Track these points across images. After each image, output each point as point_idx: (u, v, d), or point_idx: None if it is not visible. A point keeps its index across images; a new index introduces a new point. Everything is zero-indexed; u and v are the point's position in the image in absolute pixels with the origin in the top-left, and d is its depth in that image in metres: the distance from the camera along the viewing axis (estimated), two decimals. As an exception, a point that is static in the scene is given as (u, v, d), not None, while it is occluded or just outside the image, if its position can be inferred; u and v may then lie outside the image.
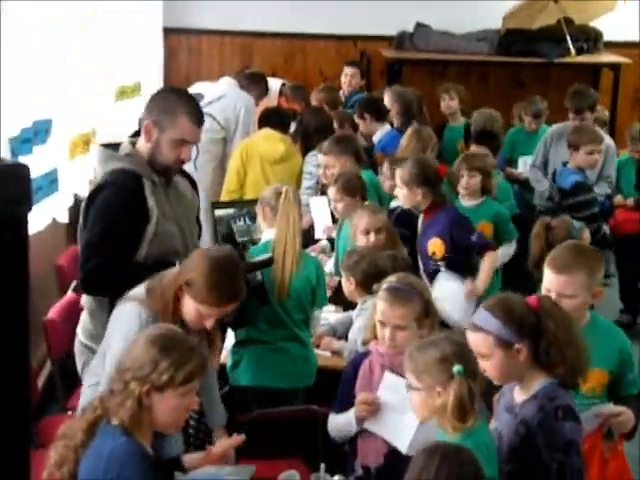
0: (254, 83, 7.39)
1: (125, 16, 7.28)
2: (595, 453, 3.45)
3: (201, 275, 3.34)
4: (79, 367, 3.87)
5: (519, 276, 5.12)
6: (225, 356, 4.51)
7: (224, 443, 3.37)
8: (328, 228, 5.97)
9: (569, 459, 3.01)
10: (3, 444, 1.46)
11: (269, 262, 4.30)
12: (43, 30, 5.16)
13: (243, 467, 3.46)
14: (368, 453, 3.57)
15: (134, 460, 2.75)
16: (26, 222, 1.41)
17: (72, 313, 4.72)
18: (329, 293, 4.99)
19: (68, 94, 5.69)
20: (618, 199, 7.32)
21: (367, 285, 4.35)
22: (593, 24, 9.81)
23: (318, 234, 5.96)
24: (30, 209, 1.41)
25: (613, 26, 9.65)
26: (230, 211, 5.86)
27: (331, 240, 5.86)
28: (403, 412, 3.28)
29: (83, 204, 3.80)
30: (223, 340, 4.10)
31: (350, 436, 3.64)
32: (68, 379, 4.45)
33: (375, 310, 3.67)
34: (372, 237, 4.91)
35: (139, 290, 3.42)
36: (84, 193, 6.05)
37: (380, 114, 7.26)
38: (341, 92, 8.68)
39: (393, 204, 5.84)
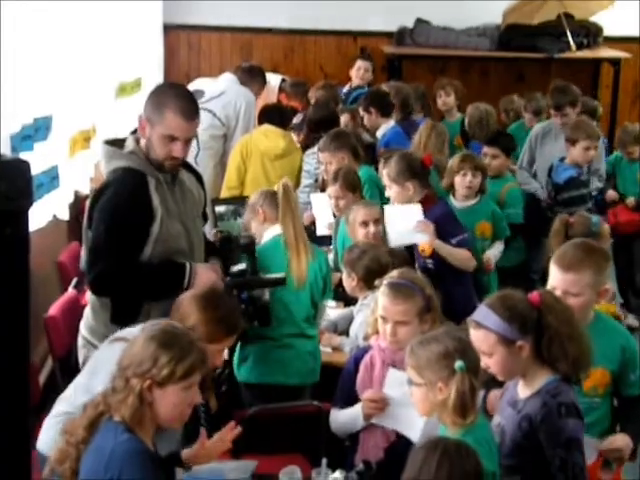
0: (253, 77, 7.38)
1: (125, 13, 7.28)
2: None
3: (200, 318, 3.30)
4: (80, 361, 3.87)
5: (522, 282, 5.08)
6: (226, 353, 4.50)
7: (220, 434, 3.34)
8: (330, 224, 5.96)
9: (571, 456, 3.01)
10: (3, 441, 1.45)
11: (281, 281, 4.22)
12: (43, 27, 5.15)
13: (245, 463, 3.47)
14: (369, 448, 3.58)
15: (136, 457, 2.75)
16: (27, 217, 1.41)
17: (73, 310, 4.74)
18: (330, 289, 4.99)
19: (68, 91, 5.69)
20: (610, 194, 7.29)
21: (369, 281, 4.35)
22: (593, 19, 9.81)
23: (321, 230, 5.96)
24: (31, 204, 1.41)
25: (613, 21, 9.65)
26: (230, 207, 5.84)
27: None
28: (411, 404, 3.28)
29: (88, 203, 3.78)
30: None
31: (354, 432, 3.65)
32: (69, 375, 4.45)
33: (376, 305, 3.68)
34: (372, 228, 4.92)
35: (131, 330, 3.31)
36: (85, 190, 6.07)
37: (386, 109, 7.23)
38: (348, 85, 8.70)
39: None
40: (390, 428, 3.56)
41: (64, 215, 5.81)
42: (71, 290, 5.17)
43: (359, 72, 8.76)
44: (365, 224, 4.95)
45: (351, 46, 9.81)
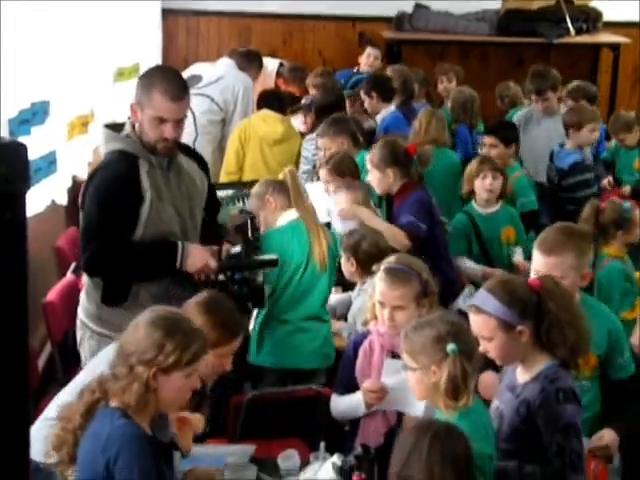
0: (250, 62, 7.36)
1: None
2: None
3: (205, 322, 3.28)
4: (78, 343, 3.94)
5: None
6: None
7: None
8: (328, 211, 5.96)
9: (568, 442, 3.02)
10: (2, 425, 1.45)
11: (274, 263, 4.22)
12: (41, 11, 5.13)
13: (243, 447, 3.47)
14: (370, 433, 3.58)
15: (132, 441, 2.75)
16: (24, 200, 1.40)
17: (71, 295, 4.73)
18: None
19: (67, 76, 5.67)
20: (605, 181, 7.23)
21: (368, 266, 4.34)
22: (592, 4, 9.78)
23: (322, 217, 5.95)
24: (28, 187, 1.40)
25: (613, 6, 9.61)
26: (229, 193, 5.83)
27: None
28: (411, 388, 3.28)
29: (83, 185, 3.84)
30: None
31: (355, 418, 3.66)
32: (68, 359, 4.47)
33: (374, 291, 3.68)
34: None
35: None
36: (83, 175, 6.06)
37: (387, 94, 7.20)
38: (356, 69, 8.67)
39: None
40: (392, 410, 3.56)
41: (62, 200, 5.80)
42: (69, 275, 5.17)
43: (369, 59, 8.68)
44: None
45: (350, 31, 9.77)
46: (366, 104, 7.16)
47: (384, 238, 4.62)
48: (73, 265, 5.30)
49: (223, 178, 6.55)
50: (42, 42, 5.16)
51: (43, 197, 5.37)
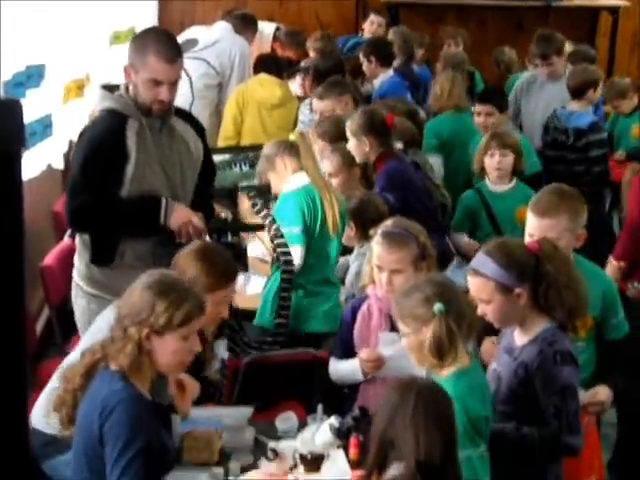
0: (247, 25, 7.29)
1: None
2: None
3: (200, 268, 3.31)
4: (73, 303, 3.99)
5: None
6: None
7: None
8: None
9: (565, 403, 3.03)
10: (1, 387, 1.45)
11: (260, 228, 4.25)
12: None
13: (241, 409, 3.48)
14: (369, 396, 3.58)
15: (128, 402, 2.76)
16: (19, 159, 1.39)
17: (68, 259, 4.70)
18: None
19: (62, 39, 5.62)
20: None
21: (367, 230, 4.33)
22: (592, -33, 9.71)
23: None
24: (23, 146, 1.38)
25: (612, -31, 9.54)
26: (227, 157, 5.81)
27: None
28: (408, 355, 3.28)
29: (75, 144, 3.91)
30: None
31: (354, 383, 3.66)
32: (66, 323, 4.47)
33: (371, 255, 3.67)
34: (333, 180, 4.84)
35: None
36: (79, 139, 6.03)
37: (387, 59, 7.10)
38: (360, 35, 8.61)
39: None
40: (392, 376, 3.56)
41: (59, 164, 5.77)
42: (66, 239, 5.15)
43: (372, 27, 8.58)
44: (329, 175, 4.90)
45: (348, -6, 9.68)
46: (364, 67, 7.10)
47: (382, 202, 4.61)
48: (70, 229, 5.29)
49: (221, 143, 6.52)
50: (37, 5, 5.11)
51: (39, 161, 5.34)
